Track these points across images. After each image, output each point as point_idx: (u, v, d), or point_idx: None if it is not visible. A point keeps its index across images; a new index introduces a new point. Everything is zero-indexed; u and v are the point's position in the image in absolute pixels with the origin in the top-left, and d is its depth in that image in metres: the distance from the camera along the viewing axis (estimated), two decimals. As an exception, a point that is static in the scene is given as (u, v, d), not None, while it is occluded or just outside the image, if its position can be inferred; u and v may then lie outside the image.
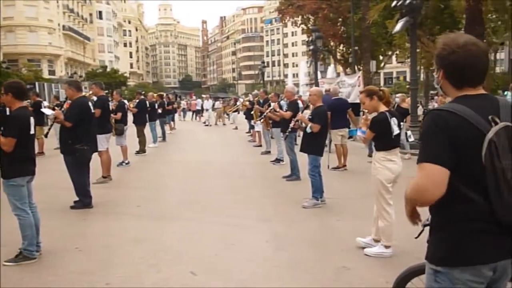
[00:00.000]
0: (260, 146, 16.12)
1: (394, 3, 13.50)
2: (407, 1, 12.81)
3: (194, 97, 51.41)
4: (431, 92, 32.39)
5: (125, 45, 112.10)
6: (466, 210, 2.15)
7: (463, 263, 2.17)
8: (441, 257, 2.24)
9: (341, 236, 6.05)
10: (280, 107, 10.59)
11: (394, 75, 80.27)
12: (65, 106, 7.95)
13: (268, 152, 14.29)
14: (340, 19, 35.08)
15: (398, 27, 13.64)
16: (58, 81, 51.21)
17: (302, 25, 39.96)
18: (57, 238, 5.86)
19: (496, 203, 2.07)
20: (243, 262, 5.14)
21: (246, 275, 4.75)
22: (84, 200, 7.47)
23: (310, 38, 25.50)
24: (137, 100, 14.67)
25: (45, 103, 16.45)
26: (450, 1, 20.86)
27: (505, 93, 15.45)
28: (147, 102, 15.03)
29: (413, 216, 2.36)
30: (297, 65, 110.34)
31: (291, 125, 8.50)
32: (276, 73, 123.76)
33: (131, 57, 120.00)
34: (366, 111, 5.79)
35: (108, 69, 69.90)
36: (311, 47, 25.18)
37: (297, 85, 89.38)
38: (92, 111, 7.61)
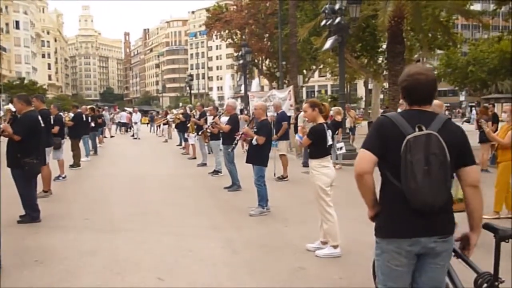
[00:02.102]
0: (195, 158, 16.38)
1: (323, 22, 14.29)
2: (336, 21, 13.64)
3: (117, 110, 50.61)
4: (349, 104, 34.10)
5: (43, 56, 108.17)
6: (391, 192, 2.81)
7: (388, 235, 2.83)
8: (376, 229, 2.91)
9: (291, 240, 6.49)
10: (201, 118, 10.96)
11: (316, 88, 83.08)
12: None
13: (204, 164, 14.58)
14: (266, 35, 36.18)
15: (327, 45, 14.49)
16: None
17: (229, 40, 40.70)
18: (12, 252, 5.84)
19: (405, 188, 2.68)
20: (204, 267, 5.44)
21: (209, 278, 5.06)
22: (32, 214, 7.42)
23: (240, 53, 26.12)
24: (73, 113, 14.48)
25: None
26: (371, 21, 22.27)
27: None
28: (83, 115, 14.86)
29: (372, 207, 2.95)
30: (221, 78, 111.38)
31: (238, 138, 8.90)
32: (200, 86, 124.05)
33: (49, 68, 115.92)
34: (306, 119, 6.35)
35: (25, 81, 67.08)
36: (241, 61, 25.80)
37: (221, 98, 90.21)
38: (42, 124, 7.60)
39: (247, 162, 8.16)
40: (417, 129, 2.71)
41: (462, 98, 68.00)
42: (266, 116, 8.16)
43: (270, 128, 8.02)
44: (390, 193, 2.82)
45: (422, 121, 2.76)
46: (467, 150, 2.83)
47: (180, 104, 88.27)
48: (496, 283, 2.92)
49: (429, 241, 2.75)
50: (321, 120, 6.00)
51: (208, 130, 11.66)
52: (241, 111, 21.88)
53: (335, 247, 5.74)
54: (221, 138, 10.66)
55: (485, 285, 2.92)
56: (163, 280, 4.97)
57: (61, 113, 13.02)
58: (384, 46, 24.61)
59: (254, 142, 7.82)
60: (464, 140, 2.84)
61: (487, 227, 2.99)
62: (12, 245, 6.19)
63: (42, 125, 7.65)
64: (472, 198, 2.85)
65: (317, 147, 5.87)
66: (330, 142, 5.90)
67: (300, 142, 6.25)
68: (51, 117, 10.23)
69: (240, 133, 8.59)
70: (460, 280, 3.09)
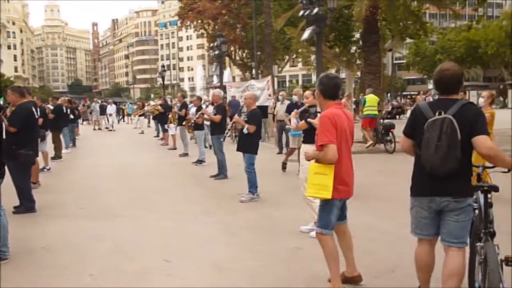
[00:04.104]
0: (175, 149, 16.54)
1: (301, 13, 14.57)
2: (314, 11, 13.95)
3: (88, 102, 50.05)
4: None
5: (9, 47, 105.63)
6: (417, 161, 3.69)
7: (414, 194, 3.76)
8: (410, 189, 3.81)
9: (283, 223, 6.83)
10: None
11: (288, 78, 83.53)
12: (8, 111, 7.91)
13: (186, 154, 14.78)
14: (239, 25, 36.24)
15: (305, 35, 14.77)
16: None
17: (202, 30, 40.57)
18: (17, 240, 6.00)
19: (423, 158, 3.53)
20: (206, 248, 5.73)
21: (214, 258, 5.34)
22: (27, 205, 7.55)
23: (215, 43, 26.22)
24: (53, 105, 14.47)
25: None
26: (344, 11, 22.67)
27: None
28: (63, 107, 14.85)
29: None
30: (192, 69, 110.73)
31: (229, 126, 9.16)
32: (172, 76, 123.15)
33: (15, 60, 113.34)
34: (307, 104, 6.64)
35: (-8, 73, 65.58)
36: (216, 52, 25.92)
37: (193, 88, 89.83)
38: (36, 116, 7.71)
39: (238, 150, 8.43)
40: (437, 114, 3.48)
41: (430, 86, 69.41)
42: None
43: (260, 117, 8.31)
44: (417, 162, 3.70)
45: (444, 107, 3.51)
46: (477, 124, 3.46)
47: (152, 96, 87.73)
48: None
49: (442, 200, 3.56)
50: None
51: (194, 121, 11.83)
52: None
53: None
54: (210, 128, 10.86)
55: None
56: (170, 262, 5.23)
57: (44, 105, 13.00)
58: (358, 36, 25.07)
59: (245, 131, 8.09)
60: (474, 118, 3.48)
61: None
62: (15, 234, 6.33)
63: (37, 116, 7.76)
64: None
65: (310, 132, 6.17)
66: None
67: (297, 126, 6.64)
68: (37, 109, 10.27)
69: (232, 122, 8.83)
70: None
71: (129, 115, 38.85)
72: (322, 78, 4.34)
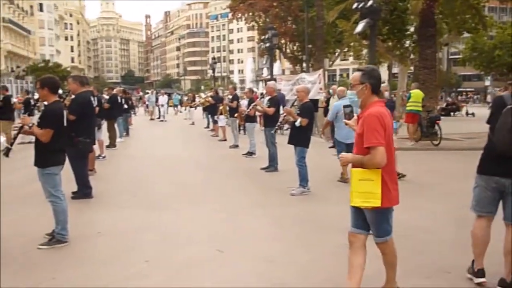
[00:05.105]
0: (225, 140, 16.66)
1: (355, 5, 14.33)
2: (368, 4, 13.68)
3: (141, 93, 51.17)
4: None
5: (66, 38, 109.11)
6: (488, 142, 4.16)
7: (480, 172, 4.19)
8: (477, 167, 4.23)
9: (333, 218, 6.73)
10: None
11: (338, 72, 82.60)
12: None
13: (236, 146, 14.86)
14: (290, 18, 36.07)
15: (359, 28, 14.51)
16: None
17: (253, 22, 40.64)
18: (74, 225, 6.20)
19: (495, 139, 3.94)
20: (257, 240, 5.74)
21: (264, 250, 5.34)
22: (84, 191, 7.80)
23: (266, 36, 26.15)
24: (108, 95, 14.87)
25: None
26: (399, 3, 22.16)
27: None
28: (118, 97, 15.22)
29: None
30: (242, 62, 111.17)
31: (281, 119, 9.14)
32: (222, 69, 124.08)
33: (72, 51, 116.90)
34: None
35: (50, 63, 67.89)
36: (267, 45, 25.85)
37: (243, 81, 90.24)
38: (94, 105, 7.94)
39: (289, 143, 8.40)
40: None
41: (487, 83, 66.96)
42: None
43: (312, 110, 8.24)
44: (488, 144, 4.13)
45: None
46: None
47: (202, 87, 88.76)
48: None
49: (507, 182, 3.98)
50: None
51: (247, 113, 11.87)
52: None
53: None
54: (263, 120, 10.85)
55: None
56: (222, 252, 5.27)
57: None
58: (412, 29, 24.46)
59: (297, 124, 8.04)
60: None
61: None
62: (73, 218, 6.54)
63: (95, 105, 7.99)
64: None
65: None
66: None
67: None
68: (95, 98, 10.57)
69: (284, 115, 8.79)
70: None
71: (175, 106, 39.19)
72: (373, 72, 3.85)
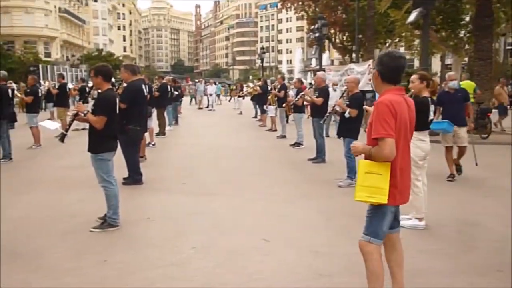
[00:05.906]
0: (275, 130, 16.59)
1: (408, -5, 14.00)
2: (421, -7, 13.33)
3: (190, 82, 51.76)
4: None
5: (118, 28, 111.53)
6: None
7: None
8: None
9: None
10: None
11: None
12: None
13: (284, 136, 14.85)
14: (340, 7, 35.58)
15: (411, 17, 14.16)
16: (55, 64, 51.31)
17: (302, 12, 40.33)
18: (125, 210, 6.37)
19: None
20: (303, 231, 5.74)
21: (310, 240, 5.34)
22: (135, 177, 8.01)
23: (316, 26, 25.95)
24: (158, 84, 15.15)
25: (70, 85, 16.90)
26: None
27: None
28: (168, 86, 15.48)
29: None
30: (291, 52, 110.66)
31: (330, 110, 9.07)
32: (270, 59, 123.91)
33: (124, 40, 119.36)
34: (412, 90, 6.38)
35: (103, 53, 69.74)
36: (316, 34, 25.67)
37: (291, 71, 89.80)
38: (145, 93, 8.10)
39: (338, 134, 8.34)
40: None
41: (546, 75, 64.02)
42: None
43: (362, 101, 8.14)
44: None
45: None
46: None
47: (250, 77, 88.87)
48: None
49: None
50: (426, 93, 6.13)
51: (294, 102, 11.86)
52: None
53: (419, 219, 5.86)
54: (312, 111, 10.80)
55: None
56: (269, 242, 5.30)
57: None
58: (467, 19, 23.64)
59: (346, 115, 7.96)
60: None
61: None
62: (123, 204, 6.74)
63: (146, 94, 8.16)
64: None
65: (417, 119, 5.93)
66: (431, 116, 5.99)
67: None
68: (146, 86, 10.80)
69: (333, 105, 8.71)
70: None
71: (218, 95, 39.25)
72: (383, 57, 3.49)
